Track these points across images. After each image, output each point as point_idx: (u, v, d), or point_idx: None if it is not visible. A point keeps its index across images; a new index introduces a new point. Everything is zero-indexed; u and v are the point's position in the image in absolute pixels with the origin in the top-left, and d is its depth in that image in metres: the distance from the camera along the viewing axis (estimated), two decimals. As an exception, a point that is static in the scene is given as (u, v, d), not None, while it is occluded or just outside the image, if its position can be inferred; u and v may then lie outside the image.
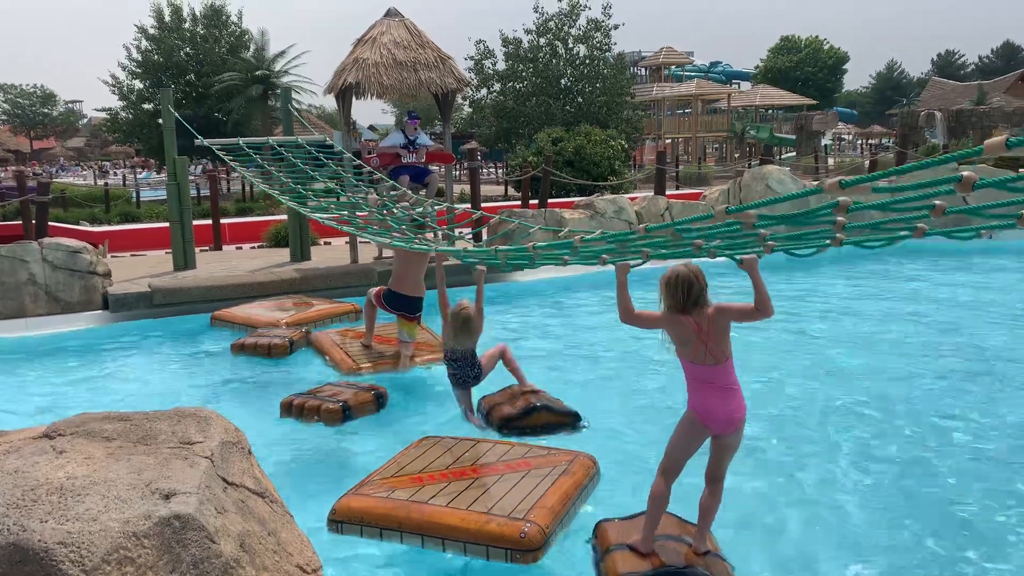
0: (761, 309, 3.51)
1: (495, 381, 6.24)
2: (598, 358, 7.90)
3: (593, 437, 5.67)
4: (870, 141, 57.97)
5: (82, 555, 2.02)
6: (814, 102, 51.22)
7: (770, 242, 2.89)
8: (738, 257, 3.54)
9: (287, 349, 7.91)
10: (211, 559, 2.20)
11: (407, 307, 7.37)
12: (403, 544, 4.12)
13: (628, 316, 3.77)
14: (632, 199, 14.30)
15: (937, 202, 2.21)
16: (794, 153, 40.77)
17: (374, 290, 7.69)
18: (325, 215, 8.65)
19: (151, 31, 40.40)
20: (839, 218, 2.54)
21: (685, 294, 3.59)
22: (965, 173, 1.97)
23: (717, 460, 3.76)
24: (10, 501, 2.16)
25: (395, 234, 7.02)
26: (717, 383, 3.64)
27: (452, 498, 4.25)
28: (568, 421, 5.87)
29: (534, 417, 5.79)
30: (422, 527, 4.07)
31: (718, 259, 3.67)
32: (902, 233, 2.71)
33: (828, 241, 2.82)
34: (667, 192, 17.34)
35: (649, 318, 3.75)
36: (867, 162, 22.36)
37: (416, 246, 6.40)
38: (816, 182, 15.83)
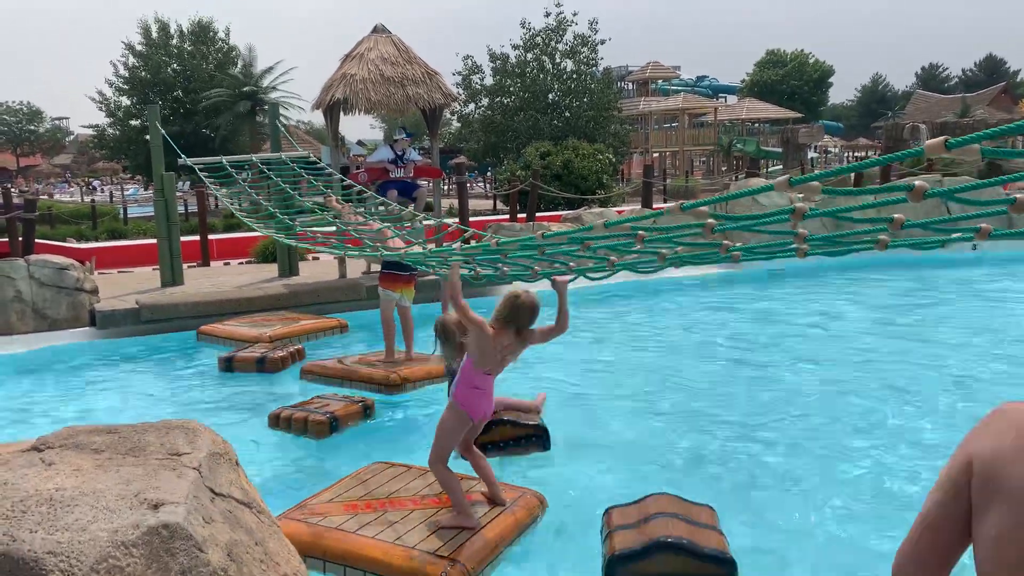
0: (560, 326, 4.28)
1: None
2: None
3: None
4: (856, 154, 58.38)
5: (71, 564, 2.04)
6: (800, 115, 51.62)
7: (735, 252, 2.95)
8: (553, 277, 4.16)
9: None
10: (199, 568, 2.23)
11: (407, 266, 7.12)
12: (325, 574, 4.00)
13: (461, 306, 4.20)
14: (620, 212, 14.39)
15: (896, 215, 2.26)
16: (780, 166, 41.03)
17: (384, 295, 7.52)
18: (308, 242, 8.66)
19: (138, 47, 40.40)
20: (800, 230, 2.60)
21: (528, 317, 4.16)
22: (916, 182, 2.01)
23: (470, 438, 4.51)
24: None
25: (378, 244, 7.07)
26: (488, 389, 4.33)
27: (382, 529, 4.14)
28: (533, 433, 5.59)
29: (496, 432, 5.51)
30: (345, 558, 3.98)
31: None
32: (862, 244, 2.77)
33: (793, 250, 2.87)
34: (655, 205, 17.44)
35: (477, 320, 4.19)
36: (852, 175, 22.53)
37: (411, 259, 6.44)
38: (802, 194, 15.99)
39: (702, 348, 8.81)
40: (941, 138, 2.02)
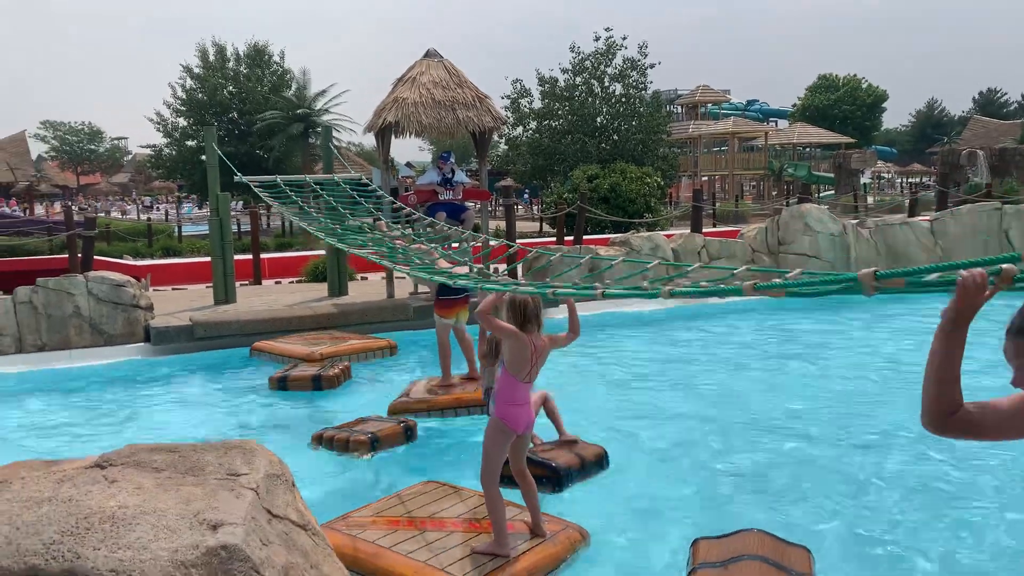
0: (574, 331, 4.48)
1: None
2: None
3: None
4: (910, 179, 57.38)
5: (133, 583, 2.07)
6: (852, 140, 50.85)
7: (783, 288, 2.83)
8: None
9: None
10: (256, 590, 2.24)
11: (460, 288, 6.95)
12: None
13: (491, 320, 4.20)
14: (668, 236, 14.30)
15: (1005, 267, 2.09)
16: (832, 191, 40.51)
17: (439, 322, 7.50)
18: (363, 251, 8.74)
19: (196, 70, 41.38)
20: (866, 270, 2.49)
21: (534, 309, 4.24)
22: (1005, 267, 1.92)
23: (518, 458, 4.47)
24: (65, 528, 2.22)
25: (435, 264, 7.10)
26: (526, 399, 4.34)
27: (416, 549, 4.19)
28: (543, 475, 5.33)
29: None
30: (375, 572, 4.06)
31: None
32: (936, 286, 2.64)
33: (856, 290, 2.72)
34: (704, 230, 17.30)
35: (509, 328, 4.24)
36: (907, 201, 22.18)
37: (461, 282, 6.47)
38: (855, 220, 15.70)
39: (772, 372, 8.53)
40: (871, 269, 2.13)
